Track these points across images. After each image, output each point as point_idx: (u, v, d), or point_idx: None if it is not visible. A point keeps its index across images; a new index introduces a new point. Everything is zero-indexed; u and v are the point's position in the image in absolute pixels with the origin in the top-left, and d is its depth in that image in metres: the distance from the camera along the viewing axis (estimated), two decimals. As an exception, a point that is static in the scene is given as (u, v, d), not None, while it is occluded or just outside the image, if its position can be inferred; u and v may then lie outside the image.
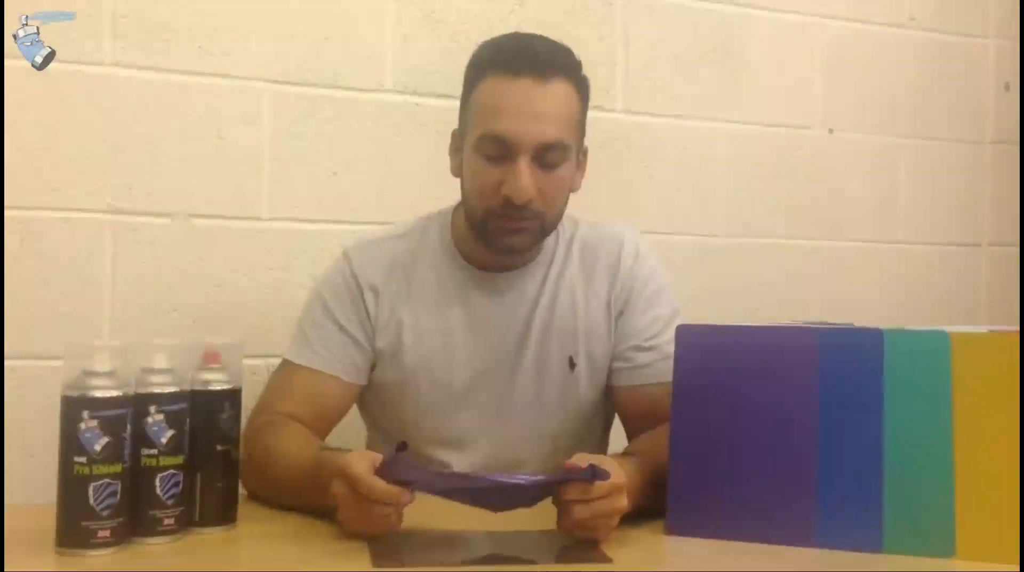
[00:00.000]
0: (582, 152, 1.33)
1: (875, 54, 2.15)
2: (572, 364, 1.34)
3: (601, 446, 1.43)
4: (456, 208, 1.38)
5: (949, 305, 2.19)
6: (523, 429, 1.34)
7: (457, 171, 1.32)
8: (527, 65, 1.22)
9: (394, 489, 0.99)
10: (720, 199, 2.03)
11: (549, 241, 1.35)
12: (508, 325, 1.34)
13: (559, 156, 1.24)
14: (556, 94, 1.23)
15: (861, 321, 1.21)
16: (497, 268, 1.34)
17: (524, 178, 1.21)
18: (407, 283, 1.34)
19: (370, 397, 1.38)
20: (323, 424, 1.32)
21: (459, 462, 1.33)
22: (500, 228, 1.26)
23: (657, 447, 1.17)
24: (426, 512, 1.26)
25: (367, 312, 1.33)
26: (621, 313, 1.36)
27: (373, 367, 1.35)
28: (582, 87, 1.29)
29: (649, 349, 1.33)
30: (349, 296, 1.34)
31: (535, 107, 1.22)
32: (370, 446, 1.43)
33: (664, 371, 1.28)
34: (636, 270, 1.37)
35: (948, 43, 2.21)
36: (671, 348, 1.27)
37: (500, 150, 1.22)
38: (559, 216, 1.31)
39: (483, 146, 1.23)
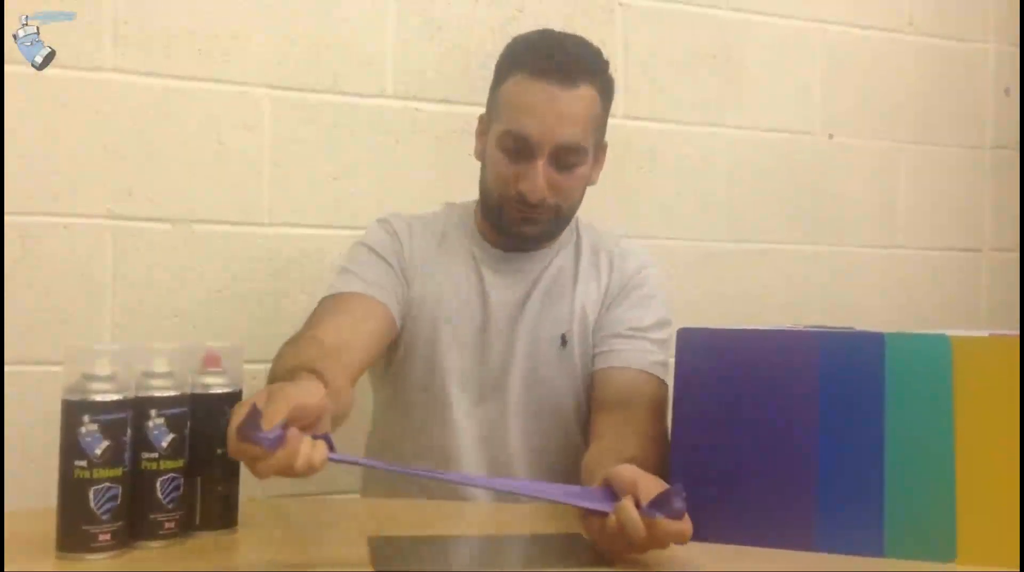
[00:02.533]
0: (601, 149, 1.40)
1: (875, 59, 2.16)
2: (564, 341, 1.37)
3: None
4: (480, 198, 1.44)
5: (949, 310, 2.19)
6: (518, 405, 1.36)
7: (479, 155, 1.39)
8: (553, 69, 1.29)
9: (249, 450, 0.89)
10: (720, 204, 2.03)
11: (564, 232, 1.42)
12: (508, 301, 1.38)
13: (576, 158, 1.31)
14: (578, 98, 1.29)
15: (862, 326, 1.21)
16: (511, 249, 1.40)
17: (539, 178, 1.28)
18: (433, 251, 1.40)
19: (390, 362, 1.40)
20: (366, 353, 1.29)
21: (476, 429, 1.36)
22: (513, 218, 1.33)
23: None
24: (429, 516, 1.26)
25: (404, 262, 1.38)
26: (610, 304, 1.40)
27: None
28: (606, 88, 1.36)
29: (629, 337, 1.36)
30: (391, 241, 1.39)
31: (557, 110, 1.28)
32: (378, 424, 1.47)
33: (638, 363, 1.33)
34: (636, 273, 1.42)
35: (948, 48, 2.21)
36: (651, 348, 1.34)
37: (520, 147, 1.29)
38: (575, 207, 1.39)
39: (504, 141, 1.31)
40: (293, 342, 1.22)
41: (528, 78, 1.29)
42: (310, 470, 0.89)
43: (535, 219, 1.33)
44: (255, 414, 0.88)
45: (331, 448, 0.93)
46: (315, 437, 0.91)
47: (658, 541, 0.94)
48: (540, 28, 1.41)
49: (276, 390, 0.92)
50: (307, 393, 0.94)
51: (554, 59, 1.30)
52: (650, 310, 1.39)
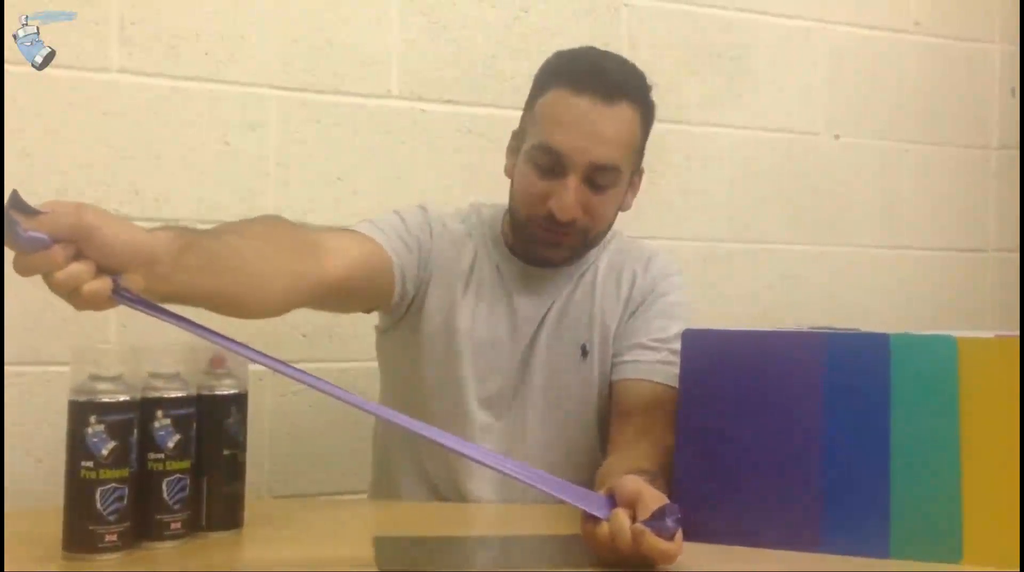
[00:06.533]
0: (637, 174, 1.36)
1: (879, 59, 2.16)
2: (584, 352, 1.34)
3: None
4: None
5: (954, 311, 2.19)
6: (537, 417, 1.34)
7: (509, 172, 1.34)
8: (594, 84, 1.24)
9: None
10: (724, 204, 2.03)
11: (592, 249, 1.38)
12: (531, 314, 1.35)
13: (609, 179, 1.26)
14: (617, 118, 1.25)
15: (866, 326, 1.21)
16: (537, 263, 1.35)
17: (570, 196, 1.24)
18: (455, 257, 1.35)
19: (402, 344, 1.37)
20: (339, 271, 1.16)
21: (495, 441, 1.33)
22: (541, 239, 1.29)
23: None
24: (435, 517, 1.26)
25: (429, 245, 1.33)
26: (633, 313, 1.36)
27: (409, 309, 1.34)
28: (646, 113, 1.31)
29: (652, 349, 1.33)
30: (424, 220, 1.35)
31: (594, 127, 1.23)
32: (384, 401, 1.43)
33: (662, 373, 1.30)
34: (660, 281, 1.38)
35: (953, 48, 2.21)
36: (673, 359, 1.28)
37: (552, 163, 1.24)
38: (604, 232, 1.35)
39: (536, 155, 1.26)
40: (269, 218, 1.13)
41: (568, 92, 1.24)
42: (74, 293, 0.83)
43: (561, 243, 1.29)
44: (13, 197, 0.80)
45: (128, 296, 0.86)
46: (112, 278, 0.85)
47: (645, 556, 0.93)
48: (589, 46, 1.35)
49: (83, 206, 0.84)
50: (116, 227, 0.84)
51: (596, 75, 1.25)
52: (675, 319, 1.34)
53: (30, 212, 0.82)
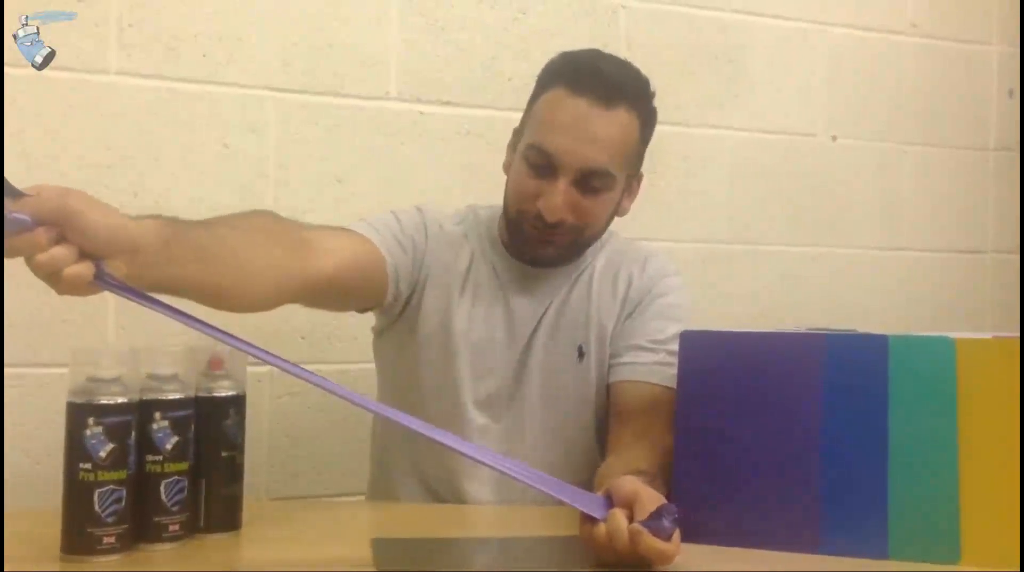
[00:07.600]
0: (636, 178, 1.36)
1: (877, 61, 2.16)
2: (581, 353, 1.34)
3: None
4: None
5: (953, 312, 2.19)
6: (534, 418, 1.34)
7: (507, 168, 1.34)
8: (591, 87, 1.23)
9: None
10: (723, 206, 2.03)
11: (588, 249, 1.38)
12: (527, 315, 1.35)
13: (602, 182, 1.26)
14: (614, 121, 1.24)
15: (864, 328, 1.21)
16: (531, 262, 1.35)
17: (558, 198, 1.24)
18: (452, 259, 1.35)
19: (399, 346, 1.37)
20: (332, 270, 1.16)
21: (493, 443, 1.32)
22: (530, 237, 1.29)
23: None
24: (433, 519, 1.26)
25: (424, 246, 1.33)
26: (630, 314, 1.36)
27: (406, 305, 1.34)
28: (647, 118, 1.31)
29: (650, 350, 1.32)
30: (420, 221, 1.35)
31: (588, 130, 1.23)
32: (381, 402, 1.42)
33: (659, 375, 1.30)
34: (657, 281, 1.38)
35: (951, 49, 2.21)
36: (670, 360, 1.28)
37: (544, 163, 1.24)
38: (597, 235, 1.34)
39: (530, 154, 1.26)
40: (263, 213, 1.13)
41: (566, 93, 1.24)
42: (55, 277, 0.83)
43: (550, 242, 1.29)
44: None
45: (111, 282, 0.86)
46: (96, 263, 0.85)
47: (642, 557, 0.93)
48: (594, 48, 1.35)
49: (69, 191, 0.84)
50: (100, 213, 0.85)
51: (596, 77, 1.24)
52: (672, 320, 1.34)
53: (15, 194, 0.82)
